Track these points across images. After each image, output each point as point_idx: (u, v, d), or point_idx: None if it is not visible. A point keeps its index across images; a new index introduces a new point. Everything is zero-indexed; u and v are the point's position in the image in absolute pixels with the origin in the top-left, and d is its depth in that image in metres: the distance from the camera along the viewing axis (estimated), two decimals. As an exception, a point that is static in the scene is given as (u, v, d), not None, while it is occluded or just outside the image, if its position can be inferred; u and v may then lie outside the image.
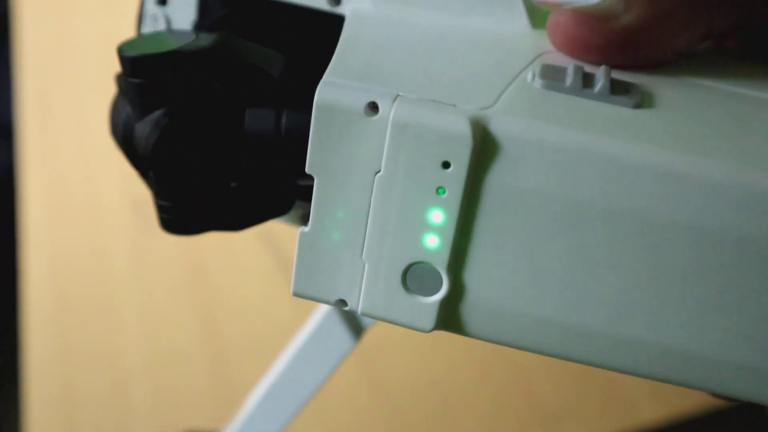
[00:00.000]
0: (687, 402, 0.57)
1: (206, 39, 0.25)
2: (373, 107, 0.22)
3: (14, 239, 0.68)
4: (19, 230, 0.67)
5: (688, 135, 0.21)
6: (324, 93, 0.22)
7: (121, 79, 0.25)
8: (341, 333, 0.31)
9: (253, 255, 0.64)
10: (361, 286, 0.24)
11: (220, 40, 0.25)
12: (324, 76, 0.22)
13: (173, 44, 0.25)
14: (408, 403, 0.57)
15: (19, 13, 0.78)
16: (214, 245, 0.65)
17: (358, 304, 0.24)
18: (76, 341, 0.61)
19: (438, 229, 0.22)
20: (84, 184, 0.69)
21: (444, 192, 0.22)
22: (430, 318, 0.24)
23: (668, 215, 0.21)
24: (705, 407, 0.57)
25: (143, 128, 0.25)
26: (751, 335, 0.22)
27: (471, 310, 0.24)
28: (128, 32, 0.57)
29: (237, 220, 0.27)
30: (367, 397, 0.57)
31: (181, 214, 0.27)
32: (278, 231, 0.65)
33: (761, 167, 0.20)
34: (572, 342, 0.23)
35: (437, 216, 0.22)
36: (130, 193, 0.68)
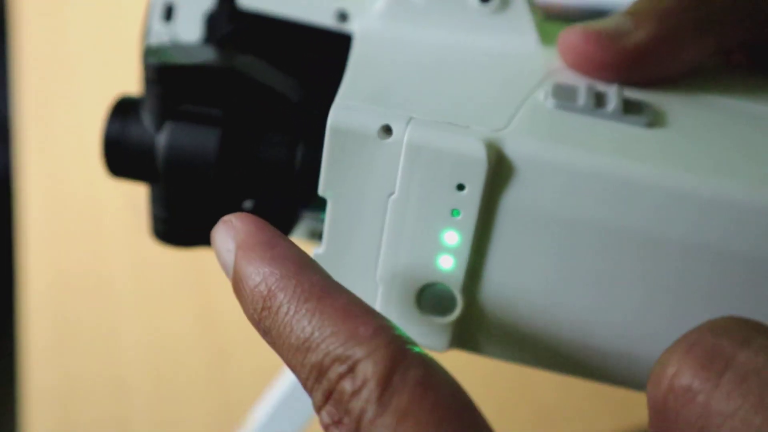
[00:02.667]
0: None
1: (231, 57, 0.25)
2: (386, 130, 0.22)
3: (12, 239, 0.68)
4: (18, 230, 0.67)
5: (702, 154, 0.21)
6: (337, 116, 0.22)
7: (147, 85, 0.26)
8: None
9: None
10: (375, 307, 0.24)
11: (244, 60, 0.25)
12: (336, 99, 0.22)
13: (198, 58, 0.25)
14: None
15: (18, 12, 0.78)
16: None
17: None
18: (75, 341, 0.61)
19: (452, 251, 0.22)
20: (83, 184, 0.68)
21: (458, 214, 0.22)
22: (444, 338, 0.24)
23: (683, 235, 0.21)
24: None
25: (179, 136, 0.25)
26: None
27: (485, 330, 0.24)
28: (127, 32, 0.57)
29: None
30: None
31: (179, 226, 0.27)
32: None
33: None
34: (587, 362, 0.23)
35: (452, 237, 0.22)
36: (130, 193, 0.67)
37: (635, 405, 0.57)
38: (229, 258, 0.21)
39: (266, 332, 0.20)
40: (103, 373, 0.60)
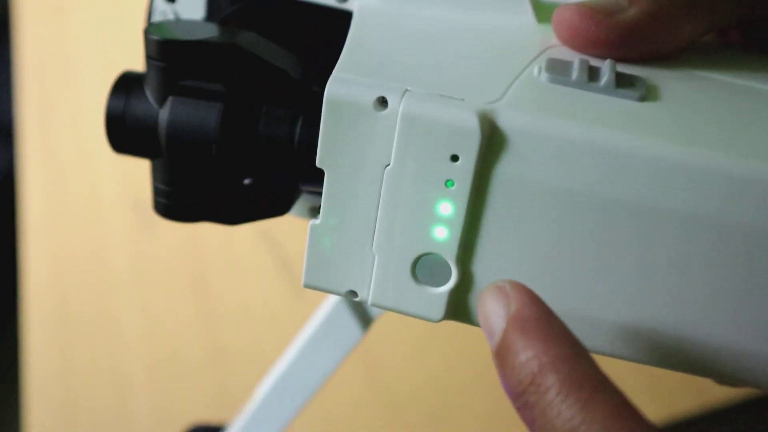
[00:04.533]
0: (687, 402, 0.57)
1: (233, 34, 0.26)
2: (382, 102, 0.22)
3: (14, 239, 0.68)
4: (19, 230, 0.67)
5: (692, 127, 0.22)
6: (334, 88, 0.22)
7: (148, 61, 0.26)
8: (350, 323, 0.31)
9: (253, 255, 0.64)
10: (371, 277, 0.24)
11: (246, 37, 0.26)
12: (334, 72, 0.23)
13: (200, 34, 0.25)
14: (406, 400, 0.57)
15: (19, 13, 0.78)
16: (214, 245, 0.65)
17: (369, 295, 0.24)
18: (76, 341, 0.61)
19: (447, 221, 0.23)
20: (84, 184, 0.69)
21: (453, 184, 0.22)
22: (439, 308, 0.24)
23: (672, 206, 0.21)
24: (705, 408, 0.57)
25: (181, 111, 0.25)
26: (762, 324, 0.22)
27: None
28: (128, 32, 0.57)
29: (234, 215, 0.28)
30: (364, 394, 0.57)
31: (181, 200, 0.27)
32: (278, 231, 0.65)
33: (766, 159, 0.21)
34: (579, 331, 0.23)
35: (446, 208, 0.22)
36: (130, 193, 0.68)
37: (633, 400, 0.57)
38: (498, 323, 0.21)
39: (526, 406, 0.20)
40: (104, 363, 0.60)
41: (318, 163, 0.23)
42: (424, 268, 0.23)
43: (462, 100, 0.22)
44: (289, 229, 0.64)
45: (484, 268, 0.23)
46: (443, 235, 0.23)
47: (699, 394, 0.57)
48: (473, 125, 0.21)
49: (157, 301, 0.63)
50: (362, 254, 0.24)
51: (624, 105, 0.22)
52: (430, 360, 0.59)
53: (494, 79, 0.23)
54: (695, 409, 0.57)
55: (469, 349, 0.59)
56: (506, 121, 0.21)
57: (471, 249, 0.23)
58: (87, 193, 0.68)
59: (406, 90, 0.22)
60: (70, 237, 0.66)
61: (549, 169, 0.22)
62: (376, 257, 0.24)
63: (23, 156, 0.70)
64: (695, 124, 0.22)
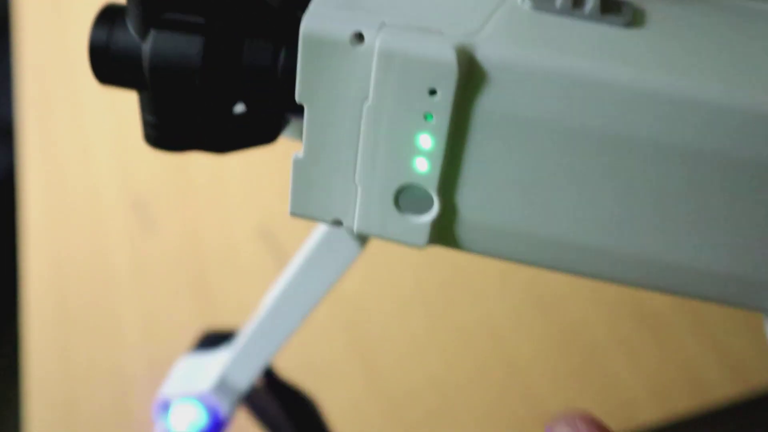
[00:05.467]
0: (687, 402, 0.56)
1: None
2: (358, 37, 0.22)
3: (14, 239, 0.68)
4: (19, 230, 0.67)
5: (679, 55, 0.22)
6: (309, 23, 0.22)
7: None
8: (348, 239, 0.31)
9: (253, 255, 0.64)
10: (355, 207, 0.24)
11: None
12: (309, 6, 0.22)
13: None
14: (405, 399, 0.57)
15: (19, 13, 0.79)
16: (214, 245, 0.65)
17: (354, 223, 0.24)
18: (76, 342, 0.61)
19: (427, 154, 0.23)
20: (84, 184, 0.69)
21: (432, 118, 0.22)
22: (423, 235, 0.24)
23: (656, 137, 0.21)
24: (704, 408, 0.56)
25: (163, 44, 0.25)
26: (741, 250, 0.22)
27: (462, 227, 0.24)
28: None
29: (222, 143, 0.27)
30: (363, 392, 0.57)
31: (169, 130, 0.27)
32: (278, 231, 0.65)
33: (755, 88, 0.21)
34: (561, 255, 0.24)
35: (426, 141, 0.22)
36: (130, 193, 0.68)
37: (633, 400, 0.56)
38: None
39: None
40: (104, 363, 0.60)
41: (297, 99, 0.23)
42: (406, 198, 0.24)
43: (440, 32, 0.22)
44: (289, 228, 0.64)
45: (465, 198, 0.23)
46: (424, 167, 0.23)
47: (699, 394, 0.57)
48: (450, 59, 0.21)
49: (157, 301, 0.63)
50: (345, 185, 0.24)
51: (610, 32, 0.22)
52: (429, 359, 0.59)
53: (475, 9, 0.23)
54: (695, 409, 0.56)
55: (468, 348, 0.59)
56: (484, 54, 0.21)
57: (452, 180, 0.23)
58: (87, 193, 0.69)
59: (383, 24, 0.22)
60: (70, 237, 0.66)
61: (528, 102, 0.22)
62: (359, 188, 0.24)
63: (23, 156, 0.71)
64: (682, 52, 0.22)
